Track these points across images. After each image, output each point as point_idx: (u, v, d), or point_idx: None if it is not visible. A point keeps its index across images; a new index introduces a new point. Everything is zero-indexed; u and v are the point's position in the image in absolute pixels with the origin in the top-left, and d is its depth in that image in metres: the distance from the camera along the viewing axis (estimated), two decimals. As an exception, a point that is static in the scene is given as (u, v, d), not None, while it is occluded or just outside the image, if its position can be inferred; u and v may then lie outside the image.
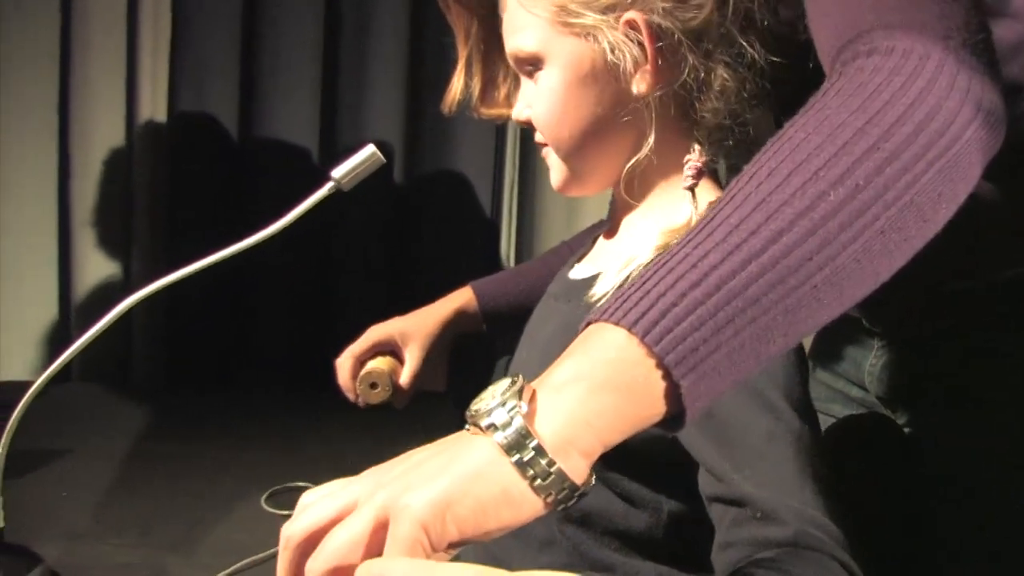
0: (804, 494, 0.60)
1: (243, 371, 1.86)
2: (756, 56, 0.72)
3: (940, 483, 0.82)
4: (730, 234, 0.49)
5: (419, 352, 1.05)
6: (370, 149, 0.84)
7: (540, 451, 0.46)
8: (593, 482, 0.49)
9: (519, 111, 0.82)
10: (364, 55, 1.80)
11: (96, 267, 1.79)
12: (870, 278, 0.51)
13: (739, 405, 0.64)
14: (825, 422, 0.88)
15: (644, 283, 0.49)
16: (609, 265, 0.80)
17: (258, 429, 1.53)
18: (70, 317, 1.79)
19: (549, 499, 0.47)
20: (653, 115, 0.74)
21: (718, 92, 0.73)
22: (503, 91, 0.93)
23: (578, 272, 0.86)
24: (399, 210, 1.83)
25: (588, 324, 0.50)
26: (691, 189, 0.75)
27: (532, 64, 0.78)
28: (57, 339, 1.81)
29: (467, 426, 0.49)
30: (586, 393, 0.47)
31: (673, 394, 0.47)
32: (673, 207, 0.76)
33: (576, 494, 0.47)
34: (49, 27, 1.74)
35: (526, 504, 0.46)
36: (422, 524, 0.44)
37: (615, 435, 0.48)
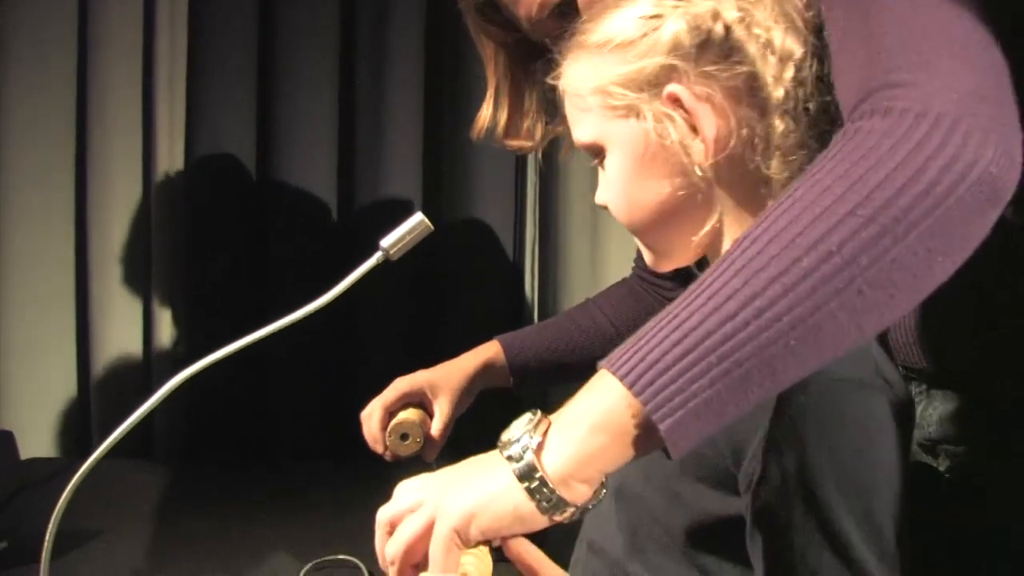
0: None
1: (263, 440, 1.84)
2: (810, 103, 0.70)
3: (990, 534, 0.81)
4: (712, 297, 0.56)
5: (449, 404, 1.05)
6: (418, 217, 0.83)
7: (544, 483, 0.58)
8: (601, 497, 0.60)
9: (598, 196, 0.80)
10: (381, 99, 1.79)
11: (115, 337, 1.77)
12: (853, 333, 0.56)
13: (814, 549, 0.64)
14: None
15: (640, 339, 0.58)
16: None
17: (289, 503, 1.50)
18: (89, 391, 1.77)
19: (554, 517, 0.59)
20: (716, 184, 0.72)
21: (779, 143, 0.70)
22: (527, 122, 0.94)
23: None
24: (420, 260, 1.83)
25: (599, 368, 0.59)
26: None
27: (595, 154, 0.77)
28: (76, 413, 1.79)
29: (497, 450, 0.61)
30: (587, 433, 0.58)
31: (655, 436, 0.56)
32: None
33: (579, 511, 0.59)
34: (66, 82, 1.75)
35: (534, 519, 0.59)
36: (453, 528, 0.59)
37: (610, 467, 0.59)
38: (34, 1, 1.72)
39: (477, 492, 0.60)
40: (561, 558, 0.71)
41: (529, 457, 0.58)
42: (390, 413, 1.05)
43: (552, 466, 0.58)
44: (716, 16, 0.69)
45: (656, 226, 0.76)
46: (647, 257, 0.81)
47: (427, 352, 1.85)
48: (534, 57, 0.89)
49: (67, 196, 1.78)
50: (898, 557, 0.65)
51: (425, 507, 0.61)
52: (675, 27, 0.70)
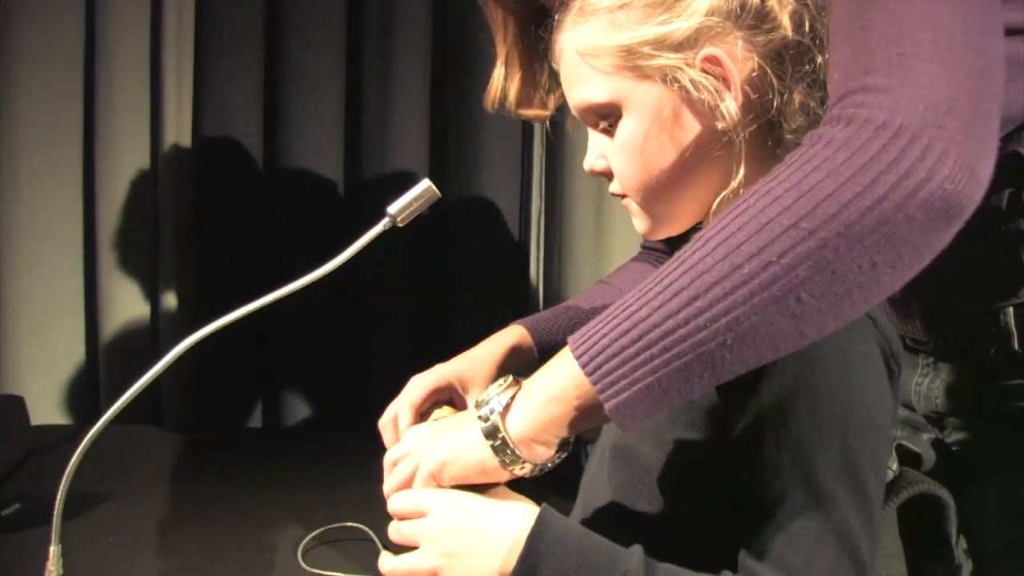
0: None
1: (271, 406, 1.85)
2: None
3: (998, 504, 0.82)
4: (660, 292, 0.60)
5: None
6: (425, 183, 0.80)
7: (505, 442, 0.67)
8: (561, 458, 0.70)
9: (592, 162, 0.78)
10: (388, 72, 1.79)
11: (123, 306, 1.79)
12: (793, 336, 0.59)
13: (782, 477, 0.64)
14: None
15: (599, 322, 0.63)
16: None
17: (298, 469, 1.52)
18: (98, 358, 1.79)
19: (515, 471, 0.69)
20: (742, 148, 0.71)
21: (797, 111, 0.70)
22: (540, 91, 0.92)
23: None
24: (426, 235, 1.83)
25: (566, 344, 0.66)
26: None
27: (603, 115, 0.75)
28: (85, 380, 1.81)
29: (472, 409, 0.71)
30: (545, 402, 0.66)
31: (602, 411, 0.62)
32: None
33: (538, 468, 0.69)
34: (73, 59, 1.75)
35: (497, 472, 0.69)
36: (430, 472, 0.71)
37: (564, 433, 0.67)
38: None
39: (450, 445, 0.70)
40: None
41: (495, 419, 0.68)
42: (420, 413, 0.91)
43: (514, 428, 0.67)
44: None
45: (668, 190, 0.74)
46: (642, 224, 0.79)
47: (433, 322, 1.87)
48: (544, 24, 0.88)
49: (75, 165, 1.78)
50: (871, 496, 0.65)
51: (414, 454, 0.73)
52: None
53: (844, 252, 0.56)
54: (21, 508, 1.28)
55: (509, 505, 0.69)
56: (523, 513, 0.68)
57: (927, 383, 0.91)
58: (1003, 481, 0.85)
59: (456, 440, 0.70)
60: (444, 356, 0.96)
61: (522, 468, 0.68)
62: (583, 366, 0.63)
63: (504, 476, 0.69)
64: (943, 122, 0.55)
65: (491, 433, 0.68)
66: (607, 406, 0.61)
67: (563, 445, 0.69)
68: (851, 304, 0.58)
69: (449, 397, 0.93)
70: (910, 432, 0.93)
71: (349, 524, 1.24)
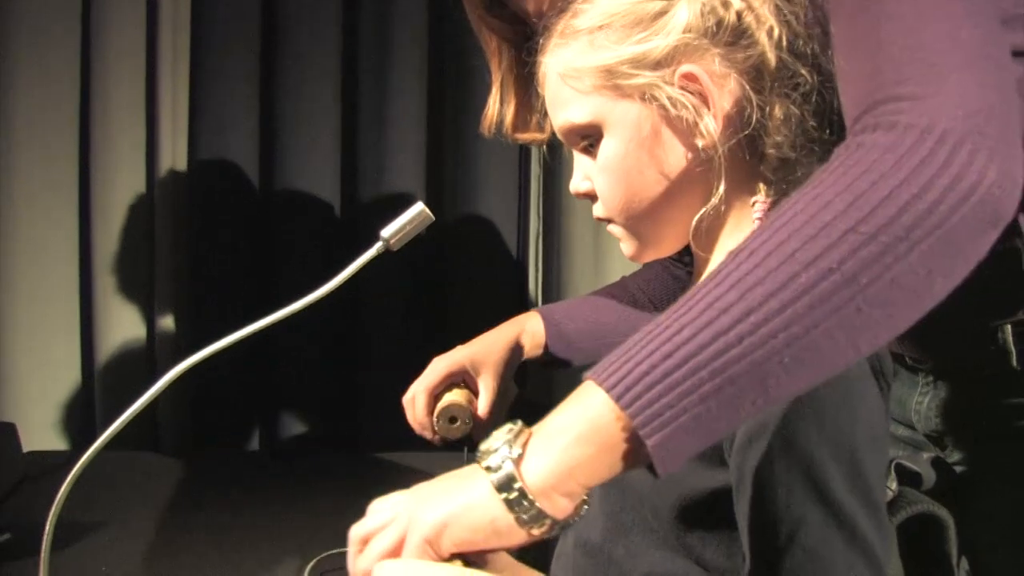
0: None
1: (268, 431, 1.84)
2: (812, 83, 0.70)
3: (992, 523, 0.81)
4: (705, 311, 0.54)
5: (494, 380, 1.01)
6: (419, 207, 0.81)
7: (523, 494, 0.56)
8: (582, 513, 0.58)
9: (577, 184, 0.78)
10: (384, 92, 1.79)
11: (119, 329, 1.78)
12: (849, 351, 0.54)
13: (794, 494, 0.62)
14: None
15: (628, 349, 0.56)
16: None
17: (295, 495, 1.50)
18: (93, 383, 1.77)
19: (533, 531, 0.57)
20: (722, 164, 0.71)
21: (779, 126, 0.70)
22: (536, 116, 0.92)
23: None
24: (423, 254, 1.82)
25: (584, 379, 0.57)
26: None
27: (586, 136, 0.75)
28: (81, 406, 1.79)
29: (476, 462, 0.59)
30: (570, 444, 0.56)
31: (643, 450, 0.54)
32: None
33: (559, 526, 0.57)
34: (69, 80, 1.75)
35: (512, 533, 0.57)
36: (425, 539, 0.57)
37: (593, 480, 0.57)
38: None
39: (451, 502, 0.58)
40: (544, 551, 0.70)
41: (509, 467, 0.56)
42: (435, 396, 0.99)
43: (533, 476, 0.56)
44: (726, 3, 0.69)
45: (652, 211, 0.74)
46: (628, 247, 0.78)
47: (431, 345, 1.86)
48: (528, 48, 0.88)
49: (71, 189, 1.78)
50: (882, 509, 0.64)
51: (398, 521, 0.59)
52: (690, 8, 0.70)
53: (903, 257, 0.53)
54: (12, 537, 1.26)
55: None
56: None
57: (927, 402, 0.90)
58: (1004, 501, 0.85)
59: (457, 497, 0.58)
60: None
61: (541, 526, 0.57)
62: (617, 398, 0.54)
63: (519, 538, 0.57)
64: (984, 129, 0.55)
65: (505, 485, 0.56)
66: (650, 443, 0.53)
67: (583, 500, 0.59)
68: (905, 315, 0.55)
69: (462, 380, 1.00)
70: (910, 451, 0.92)
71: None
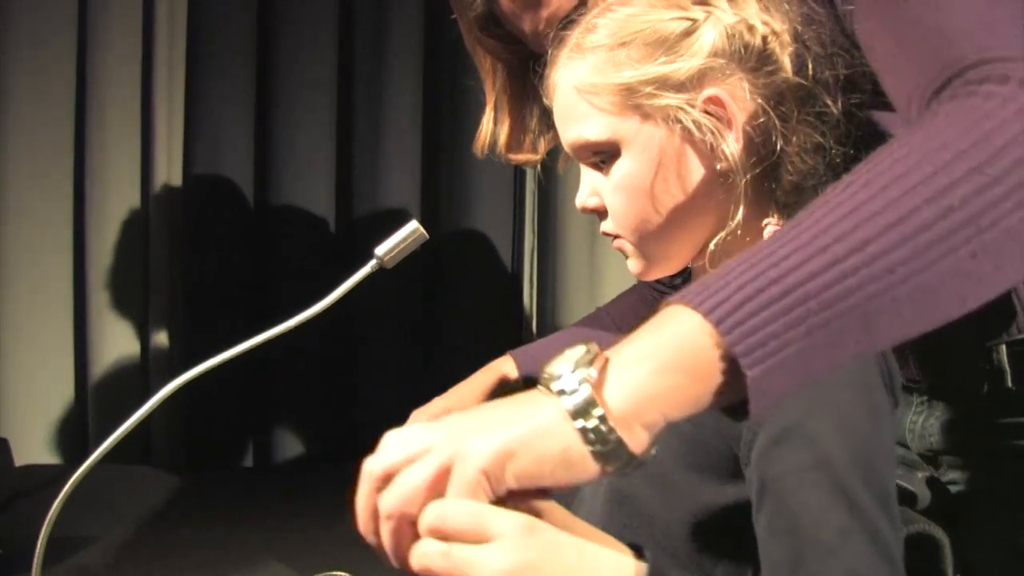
0: None
1: (261, 447, 1.84)
2: (834, 110, 0.70)
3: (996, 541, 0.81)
4: (817, 237, 0.49)
5: None
6: (413, 225, 0.80)
7: (603, 420, 0.48)
8: (653, 453, 0.51)
9: (584, 199, 0.76)
10: (379, 108, 1.80)
11: (113, 345, 1.78)
12: (955, 302, 0.51)
13: (816, 495, 0.60)
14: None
15: (727, 274, 0.50)
16: None
17: (287, 511, 1.49)
18: (87, 398, 1.77)
19: (607, 466, 0.49)
20: (742, 189, 0.70)
21: (800, 152, 0.70)
22: (530, 136, 0.91)
23: None
24: (419, 269, 1.82)
25: (667, 305, 0.51)
26: None
27: (599, 153, 0.73)
28: (74, 420, 1.79)
29: (539, 386, 0.51)
30: (655, 371, 0.49)
31: (738, 384, 0.48)
32: None
33: (633, 465, 0.50)
34: (64, 94, 1.76)
35: (583, 467, 0.49)
36: (483, 470, 0.48)
37: (679, 413, 0.50)
38: (33, 9, 1.72)
39: (515, 427, 0.49)
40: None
41: (586, 391, 0.49)
42: None
43: (615, 402, 0.49)
44: (751, 27, 0.69)
45: (665, 231, 0.73)
46: (636, 265, 0.77)
47: (426, 361, 1.86)
48: (533, 70, 0.88)
49: (66, 203, 1.78)
50: (896, 516, 0.63)
51: (438, 450, 0.49)
52: (716, 30, 0.69)
53: (1022, 206, 0.50)
54: (3, 554, 1.26)
55: (611, 557, 0.53)
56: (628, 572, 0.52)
57: (921, 421, 0.90)
58: (1000, 520, 0.85)
59: (521, 421, 0.49)
60: (437, 393, 0.97)
61: (617, 460, 0.49)
62: (717, 322, 0.48)
63: (590, 473, 0.49)
64: None
65: (581, 410, 0.48)
66: (751, 374, 0.47)
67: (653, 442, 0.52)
68: (1010, 273, 0.51)
69: None
70: (905, 470, 0.92)
71: (336, 573, 1.22)
